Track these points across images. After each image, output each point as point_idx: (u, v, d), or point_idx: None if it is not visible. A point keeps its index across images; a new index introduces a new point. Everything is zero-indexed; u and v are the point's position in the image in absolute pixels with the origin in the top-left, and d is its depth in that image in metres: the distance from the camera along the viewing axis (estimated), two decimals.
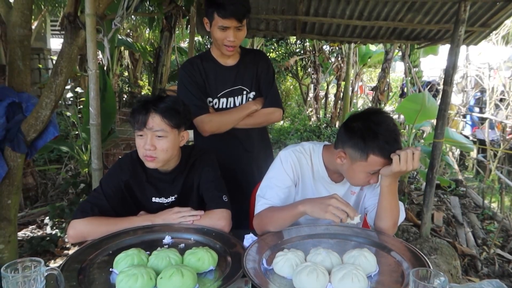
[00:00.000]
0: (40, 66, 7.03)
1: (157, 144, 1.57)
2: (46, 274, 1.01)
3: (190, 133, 1.87)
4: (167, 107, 1.59)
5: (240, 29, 1.96)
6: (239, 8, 1.89)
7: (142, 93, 9.76)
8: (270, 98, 2.16)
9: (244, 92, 2.15)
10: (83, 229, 1.54)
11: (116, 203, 1.65)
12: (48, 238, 3.51)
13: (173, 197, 1.74)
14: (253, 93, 2.16)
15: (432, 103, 4.36)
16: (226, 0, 1.86)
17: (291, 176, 1.62)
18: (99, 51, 4.07)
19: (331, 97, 11.18)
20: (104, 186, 1.66)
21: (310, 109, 11.24)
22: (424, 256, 1.31)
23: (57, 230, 3.65)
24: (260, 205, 1.60)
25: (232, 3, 1.87)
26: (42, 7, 6.00)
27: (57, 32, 10.19)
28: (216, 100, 2.11)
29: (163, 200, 1.72)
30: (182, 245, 1.43)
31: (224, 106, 2.13)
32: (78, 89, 5.04)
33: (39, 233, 3.79)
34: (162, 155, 1.60)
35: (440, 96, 3.42)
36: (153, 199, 1.72)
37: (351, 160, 1.48)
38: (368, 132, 1.42)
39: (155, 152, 1.58)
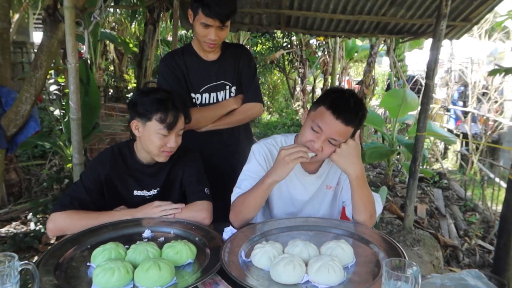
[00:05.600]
0: (23, 60, 6.91)
1: (177, 140, 1.65)
2: (20, 269, 1.00)
3: None
4: (186, 106, 1.69)
5: (222, 28, 1.95)
6: (224, 10, 1.87)
7: (129, 87, 9.66)
8: (250, 93, 2.16)
9: (227, 87, 2.14)
10: (62, 223, 1.54)
11: (96, 196, 1.65)
12: (31, 234, 3.47)
13: (155, 191, 1.74)
14: (235, 87, 2.16)
15: (412, 97, 4.45)
16: (212, 0, 1.84)
17: (264, 166, 1.64)
18: (82, 45, 4.01)
19: (318, 91, 11.22)
20: (84, 179, 1.66)
21: (297, 103, 11.27)
22: (399, 246, 1.33)
23: (40, 226, 3.61)
24: (234, 195, 1.63)
25: (217, 4, 1.84)
26: (22, 1, 5.87)
27: (40, 26, 10.00)
28: (198, 95, 2.10)
29: (145, 193, 1.73)
30: (161, 239, 1.44)
31: (207, 102, 2.12)
32: (61, 81, 4.94)
33: (22, 230, 3.75)
34: (176, 149, 1.68)
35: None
36: (135, 192, 1.72)
37: (308, 115, 1.57)
38: (328, 92, 1.57)
39: (175, 148, 1.66)
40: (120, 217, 1.57)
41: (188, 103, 1.77)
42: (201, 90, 2.10)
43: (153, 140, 1.60)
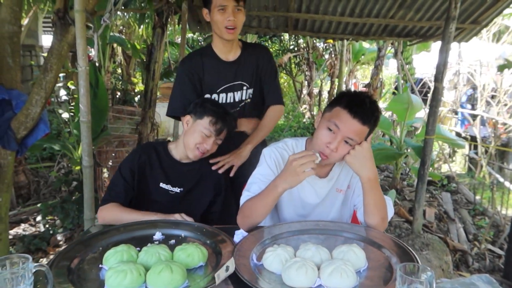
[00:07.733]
0: (32, 63, 6.96)
1: (213, 147, 1.85)
2: (34, 270, 1.01)
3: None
4: (233, 127, 1.93)
5: (238, 9, 1.97)
6: None
7: (136, 90, 9.70)
8: (273, 95, 2.18)
9: (244, 88, 2.15)
10: (106, 214, 1.74)
11: (132, 183, 1.83)
12: (40, 236, 3.49)
13: (179, 189, 1.87)
14: (252, 89, 2.16)
15: (416, 100, 4.49)
16: None
17: (275, 171, 1.63)
18: (91, 48, 4.03)
19: (325, 94, 11.19)
20: (122, 169, 1.84)
21: (304, 106, 11.25)
22: (412, 251, 1.32)
23: (49, 228, 3.63)
24: (243, 198, 1.62)
25: None
26: (32, 5, 5.92)
27: (49, 29, 10.07)
28: (215, 96, 2.12)
29: (169, 187, 1.87)
30: (172, 241, 1.44)
31: (224, 101, 2.13)
32: (70, 85, 4.99)
33: (31, 231, 3.77)
34: (208, 154, 1.86)
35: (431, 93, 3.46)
36: (161, 184, 1.87)
37: (322, 117, 1.58)
38: (343, 93, 1.59)
39: (208, 152, 1.84)
40: (148, 216, 1.67)
41: (235, 126, 1.97)
42: (218, 90, 2.12)
43: (195, 136, 1.81)
